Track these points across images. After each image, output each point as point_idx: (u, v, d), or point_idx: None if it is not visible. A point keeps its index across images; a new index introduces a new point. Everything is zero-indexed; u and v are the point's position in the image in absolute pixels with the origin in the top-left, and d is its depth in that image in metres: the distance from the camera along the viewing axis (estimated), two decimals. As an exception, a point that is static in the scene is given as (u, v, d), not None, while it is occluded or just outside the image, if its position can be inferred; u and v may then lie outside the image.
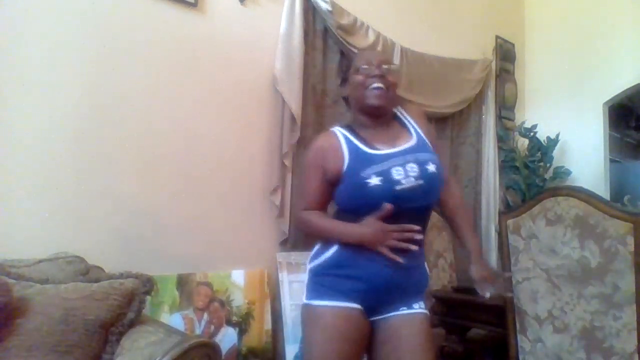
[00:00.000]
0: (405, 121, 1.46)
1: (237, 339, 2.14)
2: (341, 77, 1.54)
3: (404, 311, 1.32)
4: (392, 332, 1.30)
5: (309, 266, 1.41)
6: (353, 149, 1.34)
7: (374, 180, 1.25)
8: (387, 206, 1.24)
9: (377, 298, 1.31)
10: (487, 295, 1.38)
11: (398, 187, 1.26)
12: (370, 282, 1.29)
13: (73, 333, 1.39)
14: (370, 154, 1.32)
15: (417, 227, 1.28)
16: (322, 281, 1.34)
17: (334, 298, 1.29)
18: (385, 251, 1.25)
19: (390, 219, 1.26)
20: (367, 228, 1.27)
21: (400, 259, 1.25)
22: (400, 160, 1.30)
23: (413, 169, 1.29)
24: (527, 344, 1.78)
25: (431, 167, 1.32)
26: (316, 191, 1.39)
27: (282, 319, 2.24)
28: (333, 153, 1.35)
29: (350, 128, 1.43)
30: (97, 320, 1.44)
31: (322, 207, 1.42)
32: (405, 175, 1.27)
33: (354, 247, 1.31)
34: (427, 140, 1.42)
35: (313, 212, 1.40)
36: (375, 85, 1.36)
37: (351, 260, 1.31)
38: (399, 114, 1.48)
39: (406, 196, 1.26)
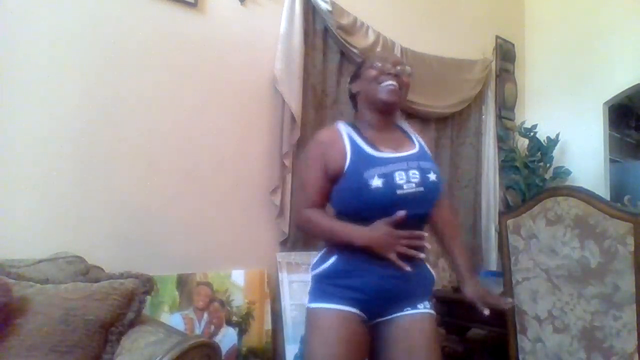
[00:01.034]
0: (410, 133, 1.48)
1: (237, 339, 2.14)
2: (352, 74, 1.53)
3: (408, 311, 1.32)
4: (399, 334, 1.29)
5: (311, 274, 1.40)
6: (356, 147, 1.33)
7: (377, 182, 1.25)
8: (400, 213, 1.23)
9: (376, 306, 1.31)
10: (487, 312, 1.35)
11: (399, 192, 1.26)
12: (368, 293, 1.29)
13: (73, 333, 1.39)
14: (373, 155, 1.31)
15: (425, 234, 1.27)
16: (323, 287, 1.34)
17: (332, 301, 1.29)
18: (394, 258, 1.24)
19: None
20: (377, 232, 1.25)
21: (408, 268, 1.24)
22: (404, 165, 1.30)
23: (415, 175, 1.29)
24: (527, 344, 1.78)
25: (432, 176, 1.33)
26: (318, 187, 1.35)
27: (282, 319, 2.24)
28: (335, 149, 1.33)
29: (354, 127, 1.42)
30: (97, 320, 1.44)
31: (323, 204, 1.38)
32: (407, 181, 1.27)
33: (352, 258, 1.30)
34: (428, 152, 1.44)
35: (316, 211, 1.36)
36: (389, 82, 1.36)
37: (349, 270, 1.30)
38: (402, 125, 1.50)
39: (406, 202, 1.26)
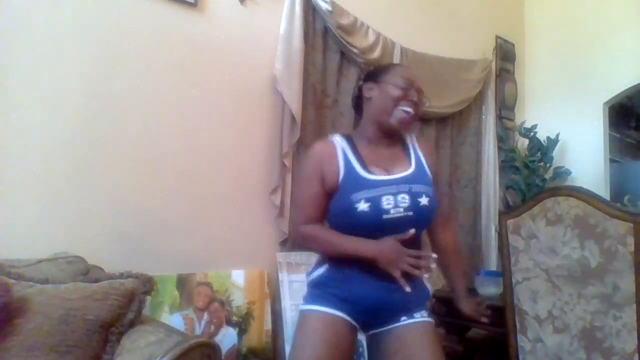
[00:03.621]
0: (411, 148, 1.44)
1: (237, 339, 2.14)
2: (366, 76, 1.48)
3: (405, 321, 1.31)
4: (401, 344, 1.29)
5: (306, 281, 1.42)
6: (348, 166, 1.32)
7: (363, 206, 1.25)
8: (411, 232, 1.24)
9: (368, 316, 1.31)
10: (485, 320, 1.45)
11: (385, 217, 1.25)
12: (357, 304, 1.29)
13: (73, 333, 1.39)
14: (363, 177, 1.30)
15: (434, 255, 1.26)
16: (314, 292, 1.36)
17: (321, 304, 1.30)
18: (398, 275, 1.22)
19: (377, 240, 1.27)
20: (385, 246, 1.23)
21: (408, 289, 1.22)
22: (393, 189, 1.28)
23: (404, 199, 1.27)
24: (527, 344, 1.78)
25: (423, 200, 1.30)
26: (316, 200, 1.34)
27: (282, 319, 2.24)
28: (331, 164, 1.33)
29: (350, 140, 1.39)
30: (97, 320, 1.44)
31: (322, 218, 1.36)
32: (395, 205, 1.26)
33: (344, 268, 1.30)
34: (427, 171, 1.41)
35: (316, 226, 1.34)
36: (407, 109, 1.34)
37: (340, 280, 1.31)
38: (407, 140, 1.47)
39: (393, 226, 1.26)
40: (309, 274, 1.42)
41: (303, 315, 1.33)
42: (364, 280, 1.29)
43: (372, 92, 1.41)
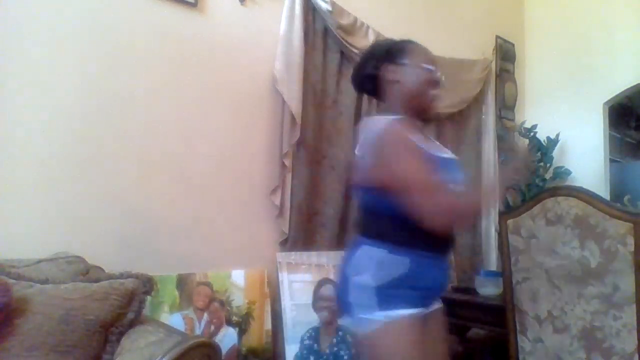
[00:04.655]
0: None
1: (237, 339, 2.14)
2: (380, 56, 1.38)
3: (436, 305, 1.36)
4: (431, 326, 1.33)
5: (378, 282, 1.20)
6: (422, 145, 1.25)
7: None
8: None
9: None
10: None
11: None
12: (438, 289, 1.33)
13: (73, 333, 1.39)
14: (445, 158, 1.34)
15: None
16: (403, 292, 1.21)
17: (413, 305, 1.22)
18: None
19: None
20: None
21: None
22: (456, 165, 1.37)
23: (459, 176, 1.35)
24: (527, 344, 1.78)
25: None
26: (428, 166, 1.19)
27: (282, 319, 2.24)
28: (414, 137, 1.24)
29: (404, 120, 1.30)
30: (97, 320, 1.44)
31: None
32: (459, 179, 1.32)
33: (424, 257, 1.23)
34: None
35: (447, 192, 1.20)
36: (438, 97, 1.37)
37: (424, 271, 1.24)
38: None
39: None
40: (380, 274, 1.21)
41: (404, 323, 1.19)
42: (442, 265, 1.32)
43: (396, 74, 1.33)
